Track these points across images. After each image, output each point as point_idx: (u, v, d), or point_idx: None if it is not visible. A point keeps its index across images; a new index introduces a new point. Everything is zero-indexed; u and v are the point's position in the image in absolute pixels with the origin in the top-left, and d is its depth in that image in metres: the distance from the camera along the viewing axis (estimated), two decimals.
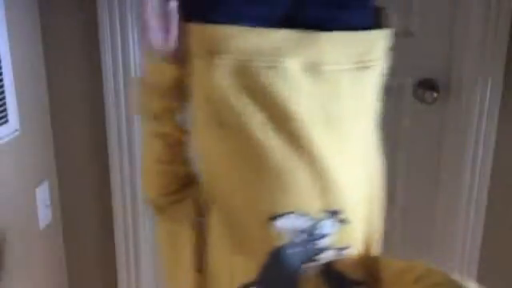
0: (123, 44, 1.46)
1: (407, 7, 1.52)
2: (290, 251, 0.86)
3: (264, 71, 0.84)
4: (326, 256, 0.88)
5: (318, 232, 0.87)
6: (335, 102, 0.87)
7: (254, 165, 0.86)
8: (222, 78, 0.84)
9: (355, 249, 0.91)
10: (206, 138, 0.91)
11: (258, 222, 0.86)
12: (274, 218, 0.85)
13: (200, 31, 0.87)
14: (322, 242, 0.87)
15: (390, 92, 1.59)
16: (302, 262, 0.87)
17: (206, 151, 0.93)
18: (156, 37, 0.88)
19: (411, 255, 1.71)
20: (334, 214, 0.87)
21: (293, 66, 0.85)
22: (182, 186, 0.98)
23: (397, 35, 1.56)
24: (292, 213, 0.85)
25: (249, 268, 0.87)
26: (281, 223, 0.85)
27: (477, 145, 1.55)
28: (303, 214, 0.86)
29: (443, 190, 1.65)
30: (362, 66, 0.89)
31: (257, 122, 0.85)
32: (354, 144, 0.91)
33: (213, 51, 0.85)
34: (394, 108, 1.60)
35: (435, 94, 1.55)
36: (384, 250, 1.73)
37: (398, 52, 1.57)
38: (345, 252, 0.90)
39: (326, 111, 0.86)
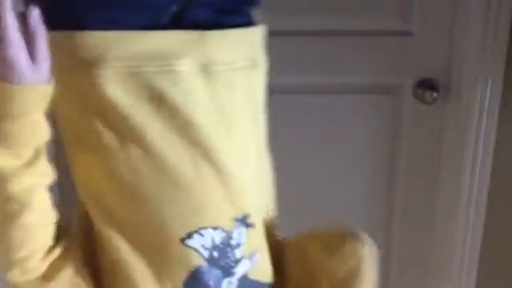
0: None
1: (407, 7, 1.52)
2: (206, 271, 0.81)
3: (154, 76, 0.77)
4: (243, 267, 0.85)
5: (232, 243, 0.83)
6: (230, 104, 0.83)
7: (156, 180, 0.79)
8: (109, 88, 0.76)
9: (263, 253, 0.89)
10: (92, 161, 0.83)
11: (169, 246, 0.80)
12: (184, 238, 0.79)
13: (72, 40, 0.76)
14: (238, 253, 0.84)
15: (390, 92, 1.61)
16: (221, 279, 0.83)
17: (91, 175, 0.84)
18: (18, 55, 0.69)
19: (411, 255, 1.71)
20: (243, 220, 0.84)
21: (184, 68, 0.79)
22: (61, 238, 0.86)
23: (397, 35, 1.58)
24: (203, 228, 0.80)
25: None
26: (192, 242, 0.80)
27: (477, 144, 1.55)
28: (215, 227, 0.81)
29: (443, 190, 1.64)
30: (252, 63, 0.86)
31: (154, 130, 0.78)
32: (250, 146, 0.88)
33: (93, 61, 0.75)
34: (394, 108, 1.60)
35: (435, 94, 1.55)
36: (384, 250, 1.73)
37: (398, 52, 1.59)
38: (255, 258, 0.87)
39: (223, 113, 0.82)
